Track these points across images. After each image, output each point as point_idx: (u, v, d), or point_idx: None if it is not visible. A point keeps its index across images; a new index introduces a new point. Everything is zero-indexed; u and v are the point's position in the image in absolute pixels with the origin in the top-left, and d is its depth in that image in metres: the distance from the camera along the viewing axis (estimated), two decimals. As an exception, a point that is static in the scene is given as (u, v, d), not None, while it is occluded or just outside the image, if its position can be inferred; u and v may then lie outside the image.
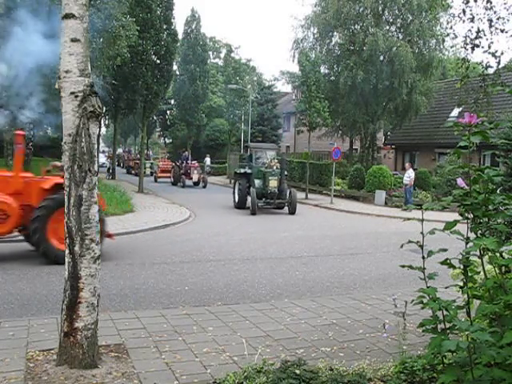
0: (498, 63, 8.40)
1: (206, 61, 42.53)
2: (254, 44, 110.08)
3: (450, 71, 41.31)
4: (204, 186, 30.93)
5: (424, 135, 32.23)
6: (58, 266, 8.45)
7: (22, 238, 11.58)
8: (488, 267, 3.49)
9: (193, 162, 32.84)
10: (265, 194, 19.09)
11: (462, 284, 3.38)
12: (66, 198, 4.40)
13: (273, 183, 18.91)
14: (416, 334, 5.36)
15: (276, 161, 19.95)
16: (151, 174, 40.16)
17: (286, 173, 20.07)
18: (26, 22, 9.33)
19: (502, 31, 8.24)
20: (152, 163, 43.16)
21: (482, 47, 8.22)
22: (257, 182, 19.36)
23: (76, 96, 4.32)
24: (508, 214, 3.24)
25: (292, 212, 18.93)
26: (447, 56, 33.90)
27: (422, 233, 3.32)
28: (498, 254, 3.26)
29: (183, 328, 5.64)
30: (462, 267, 3.32)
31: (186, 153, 34.25)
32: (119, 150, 69.64)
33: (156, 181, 35.42)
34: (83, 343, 4.34)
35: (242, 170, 20.21)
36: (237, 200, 19.96)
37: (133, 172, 42.93)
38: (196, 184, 31.55)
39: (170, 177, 34.18)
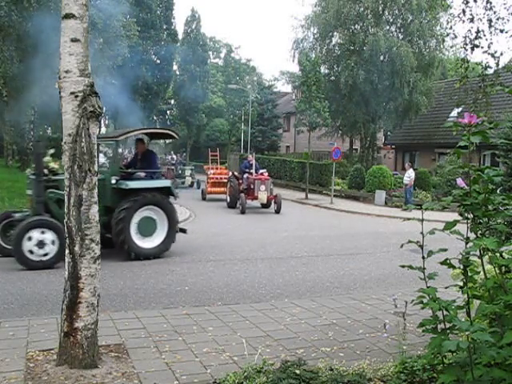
0: (497, 64, 8.42)
1: (206, 61, 42.57)
2: (254, 44, 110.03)
3: (449, 71, 41.33)
4: (277, 211, 19.19)
5: (424, 135, 32.22)
6: (58, 266, 8.48)
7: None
8: (488, 267, 3.49)
9: (260, 171, 20.47)
10: None
11: (462, 284, 3.37)
12: (65, 197, 4.41)
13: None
14: (416, 333, 5.35)
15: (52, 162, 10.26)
16: (192, 184, 30.15)
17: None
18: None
19: (501, 31, 8.26)
20: (192, 169, 32.19)
21: (482, 47, 8.25)
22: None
23: (76, 96, 4.32)
24: (508, 213, 3.23)
25: None
26: (447, 56, 33.93)
27: (422, 233, 3.32)
28: (497, 254, 3.26)
29: (183, 328, 5.64)
30: (461, 267, 3.32)
31: (250, 157, 21.44)
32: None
33: (205, 198, 23.66)
34: (83, 343, 4.34)
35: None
36: None
37: None
38: (265, 206, 19.89)
39: (225, 193, 21.98)
